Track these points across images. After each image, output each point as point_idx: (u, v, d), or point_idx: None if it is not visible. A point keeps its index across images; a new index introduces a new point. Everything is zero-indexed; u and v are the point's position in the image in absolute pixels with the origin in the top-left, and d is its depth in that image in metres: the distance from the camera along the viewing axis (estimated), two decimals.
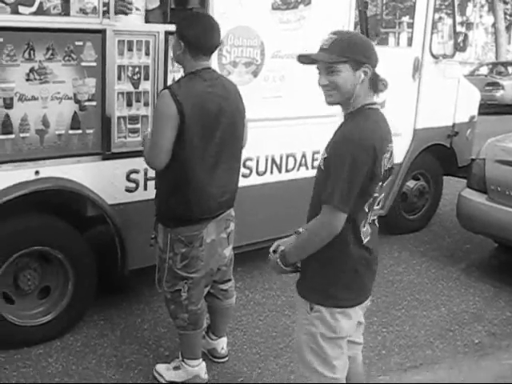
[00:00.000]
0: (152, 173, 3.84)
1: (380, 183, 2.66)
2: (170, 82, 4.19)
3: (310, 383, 2.85)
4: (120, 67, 4.08)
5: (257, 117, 4.69)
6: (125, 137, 4.18)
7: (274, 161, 5.14)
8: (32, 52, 3.72)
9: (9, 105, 3.69)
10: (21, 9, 3.65)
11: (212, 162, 3.43)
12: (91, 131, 4.04)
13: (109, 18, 3.96)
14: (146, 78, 4.20)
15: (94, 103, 4.01)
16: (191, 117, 3.26)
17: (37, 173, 3.88)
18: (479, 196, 5.76)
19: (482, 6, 38.52)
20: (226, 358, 4.10)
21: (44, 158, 3.89)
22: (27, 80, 3.73)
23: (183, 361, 3.76)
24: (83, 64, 3.91)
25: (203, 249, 3.52)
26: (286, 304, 4.91)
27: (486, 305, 5.23)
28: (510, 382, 4.08)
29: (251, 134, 4.57)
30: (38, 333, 4.16)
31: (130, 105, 4.16)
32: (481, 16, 40.34)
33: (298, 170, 5.28)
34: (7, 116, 3.70)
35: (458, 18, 34.22)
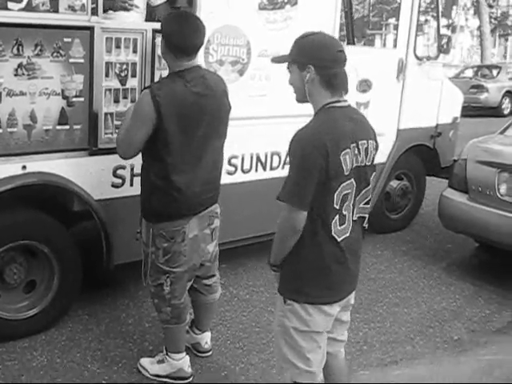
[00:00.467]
0: (138, 169, 3.89)
1: (350, 181, 2.70)
2: (156, 79, 4.23)
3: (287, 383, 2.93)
4: (108, 64, 4.12)
5: (242, 115, 4.76)
6: (112, 133, 4.21)
7: (258, 159, 5.20)
8: (20, 48, 3.75)
9: None
10: (10, 5, 3.69)
11: (194, 159, 3.49)
12: (78, 127, 4.08)
13: (97, 15, 4.00)
14: (134, 75, 4.24)
15: (81, 99, 4.04)
16: (169, 117, 3.32)
17: (24, 167, 3.92)
18: (460, 196, 5.85)
19: (468, 10, 38.80)
20: (210, 353, 4.16)
21: (31, 153, 3.93)
22: (15, 75, 3.76)
23: (167, 354, 3.82)
24: (71, 60, 3.95)
25: (186, 244, 3.58)
26: (270, 300, 4.97)
27: (466, 302, 5.33)
28: (487, 376, 4.16)
29: (237, 132, 4.65)
30: (23, 326, 4.19)
31: (117, 101, 4.21)
32: (466, 19, 40.60)
33: (283, 168, 5.34)
34: None
35: (443, 21, 34.46)
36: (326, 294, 2.83)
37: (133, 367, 3.95)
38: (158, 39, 4.01)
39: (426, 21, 29.13)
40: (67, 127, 4.02)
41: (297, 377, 2.93)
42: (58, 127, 3.99)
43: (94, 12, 3.99)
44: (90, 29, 3.98)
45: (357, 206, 2.81)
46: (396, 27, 6.64)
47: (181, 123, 3.38)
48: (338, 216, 2.72)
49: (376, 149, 2.90)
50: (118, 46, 4.13)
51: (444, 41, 6.87)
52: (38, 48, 3.82)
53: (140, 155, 3.56)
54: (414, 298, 5.36)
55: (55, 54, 3.88)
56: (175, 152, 3.41)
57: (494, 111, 20.58)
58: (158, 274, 3.63)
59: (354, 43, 7.03)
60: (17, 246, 4.11)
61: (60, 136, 4.02)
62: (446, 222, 6.10)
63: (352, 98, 5.76)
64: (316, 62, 2.69)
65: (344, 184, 2.69)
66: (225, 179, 4.75)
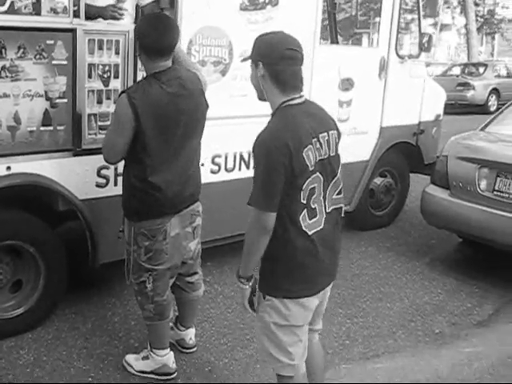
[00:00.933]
0: (122, 169, 3.94)
1: (315, 175, 2.76)
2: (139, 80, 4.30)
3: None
4: (90, 65, 4.17)
5: (225, 114, 4.84)
6: (95, 134, 4.27)
7: (242, 157, 5.26)
8: (3, 50, 3.80)
9: None
10: None
11: (172, 159, 3.55)
12: (62, 128, 4.13)
13: (79, 17, 4.05)
14: (116, 76, 4.30)
15: (64, 100, 4.10)
16: (147, 119, 3.39)
17: (8, 168, 3.96)
18: (442, 192, 5.94)
19: (455, 8, 38.95)
20: (195, 349, 4.22)
21: (15, 154, 3.98)
22: None
23: (151, 351, 3.88)
24: (54, 62, 4.00)
25: (167, 242, 3.64)
26: None
27: (448, 297, 5.42)
28: (467, 368, 4.24)
29: (220, 131, 4.72)
30: (9, 325, 4.24)
31: (100, 102, 4.26)
32: (453, 17, 40.75)
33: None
34: None
35: (430, 20, 34.55)
36: (303, 287, 2.88)
37: (118, 364, 4.01)
38: None
39: (410, 19, 29.20)
40: (51, 128, 4.08)
41: (280, 370, 3.01)
42: (42, 128, 4.04)
43: (77, 14, 4.04)
44: (73, 31, 4.03)
45: (328, 198, 2.87)
46: (378, 26, 6.72)
47: (158, 124, 3.44)
48: (305, 210, 2.77)
49: (338, 137, 2.94)
50: (100, 48, 4.19)
51: (425, 39, 6.94)
52: (21, 50, 3.87)
53: None
54: (396, 292, 5.44)
55: (38, 56, 3.94)
56: (153, 153, 3.48)
57: (480, 108, 20.71)
58: (141, 271, 3.69)
59: (337, 42, 7.11)
60: (2, 246, 4.15)
61: (44, 137, 4.07)
62: (429, 217, 6.19)
63: (334, 96, 5.93)
64: (264, 59, 2.78)
65: (310, 179, 2.75)
66: (209, 178, 4.86)
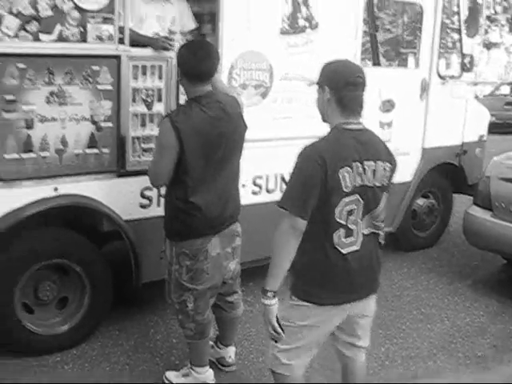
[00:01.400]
0: (164, 190, 4.06)
1: (354, 197, 2.87)
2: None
3: None
4: (134, 90, 4.33)
5: (266, 137, 4.93)
6: (139, 156, 4.41)
7: (283, 179, 5.33)
8: (52, 76, 3.98)
9: (30, 125, 3.96)
10: (42, 36, 3.92)
11: (212, 180, 3.65)
12: (107, 150, 4.28)
13: (124, 43, 4.21)
14: (159, 100, 4.44)
15: (109, 124, 4.25)
16: (190, 142, 3.50)
17: (56, 189, 4.13)
18: (485, 213, 5.90)
19: (503, 26, 38.51)
20: (234, 367, 4.29)
21: (62, 176, 4.14)
22: (47, 102, 3.99)
23: (192, 368, 3.96)
24: (100, 87, 4.17)
25: (208, 262, 3.73)
26: None
27: (491, 319, 5.36)
28: None
29: (261, 153, 4.80)
30: (55, 341, 4.38)
31: (143, 125, 4.41)
32: (501, 35, 40.28)
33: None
34: (28, 136, 3.96)
35: (477, 38, 34.12)
36: (330, 296, 2.97)
37: (159, 380, 4.09)
38: None
39: (452, 39, 28.98)
40: (96, 151, 4.23)
41: (275, 367, 3.16)
42: (88, 151, 4.20)
43: (121, 41, 4.20)
44: (118, 57, 4.20)
45: (367, 222, 2.98)
46: (419, 46, 6.74)
47: (200, 147, 3.55)
48: (342, 229, 2.90)
49: (391, 171, 3.05)
50: (144, 73, 4.34)
51: (467, 59, 6.93)
52: (68, 76, 4.05)
53: None
54: (438, 314, 5.41)
55: (84, 82, 4.11)
56: (195, 174, 3.58)
57: None
58: (182, 290, 3.78)
59: (379, 64, 7.15)
60: (50, 264, 4.30)
61: (90, 159, 4.22)
62: (471, 238, 6.15)
63: (375, 117, 5.97)
64: (330, 85, 2.95)
65: (346, 199, 2.87)
66: (250, 199, 4.94)
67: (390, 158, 3.06)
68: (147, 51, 4.37)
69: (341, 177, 2.83)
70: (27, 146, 3.97)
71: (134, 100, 4.34)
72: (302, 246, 2.89)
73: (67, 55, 4.03)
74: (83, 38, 4.07)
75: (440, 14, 6.49)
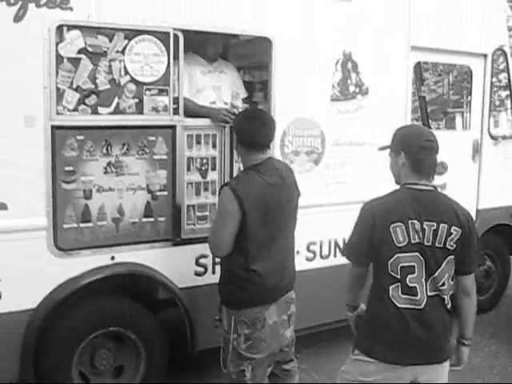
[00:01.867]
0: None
1: (412, 254, 2.98)
2: (235, 172, 4.48)
3: None
4: (189, 159, 4.41)
5: (319, 202, 4.93)
6: (194, 224, 4.45)
7: (337, 244, 5.30)
8: (109, 147, 4.09)
9: (88, 196, 4.05)
10: (100, 109, 4.05)
11: (271, 247, 3.64)
12: (163, 219, 4.33)
13: (179, 114, 4.31)
14: (214, 169, 4.51)
15: (165, 193, 4.32)
16: (251, 210, 3.51)
17: (112, 258, 4.18)
18: None
19: None
20: None
21: (119, 244, 4.20)
22: (105, 173, 4.09)
23: None
24: (155, 157, 4.26)
25: (266, 330, 3.68)
26: None
27: None
28: None
29: (315, 218, 4.79)
30: None
31: (198, 194, 4.47)
32: None
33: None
34: (86, 206, 4.05)
35: None
36: (387, 349, 3.03)
37: None
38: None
39: (497, 97, 28.84)
40: (152, 219, 4.28)
41: None
42: (144, 220, 4.26)
43: (176, 112, 4.30)
44: (173, 127, 4.29)
45: (432, 284, 3.01)
46: (469, 107, 6.73)
47: (261, 215, 3.56)
48: (398, 284, 3.00)
49: (461, 235, 3.02)
50: (198, 142, 4.42)
51: None
52: (125, 147, 4.15)
53: None
54: (502, 382, 5.21)
55: (140, 152, 4.20)
56: (255, 242, 3.58)
57: None
58: (240, 360, 3.73)
59: (429, 126, 7.13)
60: (106, 333, 4.31)
61: (145, 228, 4.28)
62: None
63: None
64: (406, 150, 3.10)
65: (400, 255, 2.99)
66: (304, 265, 4.91)
67: (461, 223, 3.03)
68: (201, 121, 4.46)
69: (392, 231, 2.99)
70: (85, 216, 4.06)
71: (188, 169, 4.41)
72: (369, 295, 3.14)
73: (124, 126, 4.14)
74: (139, 110, 4.18)
75: (489, 74, 6.48)
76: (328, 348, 5.62)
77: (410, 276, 2.98)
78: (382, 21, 5.30)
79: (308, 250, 5.10)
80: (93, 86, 4.00)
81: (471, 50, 6.20)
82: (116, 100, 4.08)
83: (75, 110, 3.97)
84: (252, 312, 3.63)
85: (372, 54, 5.28)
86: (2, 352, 3.91)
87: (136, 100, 4.16)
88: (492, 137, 6.60)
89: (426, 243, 2.98)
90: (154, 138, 4.25)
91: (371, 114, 5.28)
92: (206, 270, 4.55)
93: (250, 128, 3.66)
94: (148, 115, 4.21)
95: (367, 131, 5.23)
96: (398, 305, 3.00)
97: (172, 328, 4.60)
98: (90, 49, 3.96)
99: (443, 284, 3.03)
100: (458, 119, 28.05)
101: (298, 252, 4.52)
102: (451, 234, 3.00)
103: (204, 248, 4.38)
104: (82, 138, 4.00)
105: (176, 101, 4.31)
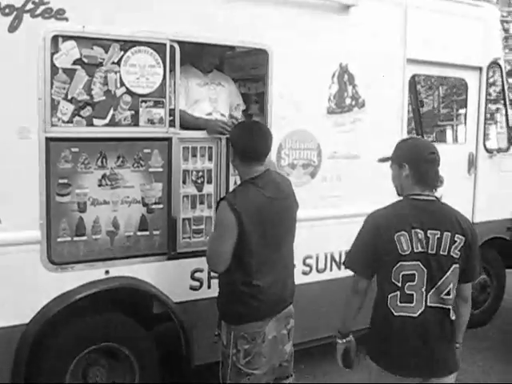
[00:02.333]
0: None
1: (414, 263, 3.02)
2: (231, 185, 4.43)
3: None
4: (185, 172, 4.35)
5: (316, 216, 4.88)
6: (189, 237, 4.40)
7: (333, 258, 5.25)
8: (104, 160, 4.03)
9: (83, 209, 3.98)
10: (95, 121, 3.99)
11: (272, 261, 3.59)
12: (158, 232, 4.27)
13: (174, 126, 4.26)
14: (209, 182, 4.46)
15: (160, 206, 4.26)
16: (249, 224, 3.46)
17: (107, 272, 4.11)
18: None
19: None
20: None
21: (113, 258, 4.13)
22: (99, 186, 4.03)
23: None
24: (151, 170, 4.20)
25: (266, 345, 3.62)
26: None
27: None
28: None
29: (311, 232, 4.74)
30: None
31: (194, 207, 4.41)
32: None
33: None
34: (81, 219, 3.99)
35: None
36: (387, 360, 3.12)
37: None
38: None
39: (498, 109, 29.00)
40: (147, 233, 4.23)
41: None
42: (139, 233, 4.20)
43: (172, 124, 4.25)
44: (168, 140, 4.24)
45: (433, 294, 3.04)
46: (464, 121, 6.72)
47: (259, 228, 3.51)
48: (398, 292, 3.04)
49: (463, 243, 3.07)
50: (194, 155, 4.37)
51: None
52: (120, 159, 4.09)
53: None
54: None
55: (136, 165, 4.15)
56: (256, 257, 3.52)
57: None
58: (239, 376, 3.66)
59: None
60: (100, 348, 4.23)
61: (140, 241, 4.22)
62: None
63: None
64: (409, 162, 3.15)
65: (404, 263, 3.03)
66: (300, 279, 4.84)
67: (464, 231, 3.09)
68: (197, 133, 4.41)
69: (396, 240, 3.03)
70: (79, 229, 4.00)
71: (184, 182, 4.36)
72: (373, 306, 3.20)
73: (119, 139, 4.09)
74: (135, 122, 4.13)
75: (484, 87, 6.47)
76: (323, 364, 5.55)
77: (409, 283, 3.03)
78: (378, 33, 5.28)
79: (304, 263, 5.05)
80: (88, 98, 3.95)
81: (466, 63, 6.20)
82: (111, 112, 4.03)
83: (70, 121, 3.91)
84: (252, 327, 3.58)
85: (368, 67, 5.26)
86: None
87: (132, 112, 4.11)
88: (487, 150, 6.60)
89: (430, 251, 3.03)
90: (149, 151, 4.19)
91: (367, 126, 5.25)
92: (201, 284, 4.48)
93: (248, 140, 3.61)
94: (144, 127, 4.16)
95: (364, 144, 5.20)
96: (395, 313, 3.06)
97: (168, 343, 4.53)
98: (85, 60, 3.91)
99: (448, 293, 3.05)
100: (449, 132, 28.20)
101: (294, 266, 4.48)
102: (455, 241, 3.06)
103: (199, 262, 4.35)
104: (76, 150, 3.94)
105: (172, 113, 4.26)
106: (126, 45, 4.04)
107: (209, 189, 4.45)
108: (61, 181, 3.90)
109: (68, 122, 3.90)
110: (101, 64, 3.97)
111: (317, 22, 4.89)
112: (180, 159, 4.31)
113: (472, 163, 6.45)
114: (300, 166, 4.92)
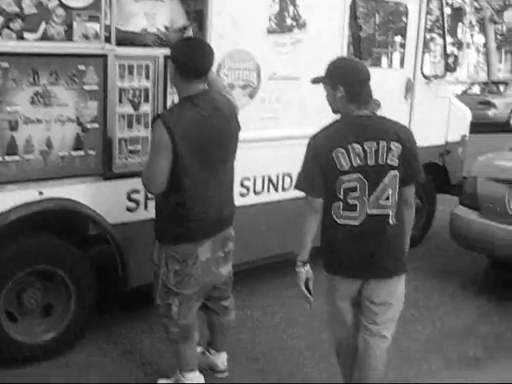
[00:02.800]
0: None
1: (355, 175, 3.17)
2: (169, 104, 4.32)
3: None
4: (121, 90, 4.22)
5: (254, 137, 4.82)
6: (126, 158, 4.30)
7: (270, 180, 5.25)
8: (36, 76, 3.85)
9: (14, 127, 3.82)
10: (26, 35, 3.79)
11: (207, 183, 3.55)
12: (93, 152, 4.16)
13: (110, 42, 4.09)
14: (146, 101, 4.34)
15: (95, 125, 4.13)
16: (184, 143, 3.39)
17: (40, 193, 3.99)
18: (471, 213, 5.88)
19: (473, 26, 38.93)
20: (226, 373, 4.17)
21: (47, 179, 4.01)
22: (32, 103, 3.86)
23: (180, 374, 3.84)
24: (86, 88, 4.05)
25: (197, 267, 3.62)
26: (284, 320, 5.02)
27: (481, 319, 5.33)
28: None
29: (249, 154, 4.71)
30: (40, 350, 4.24)
31: (130, 127, 4.30)
32: (472, 36, 40.74)
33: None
34: (12, 138, 3.83)
35: (449, 39, 34.53)
36: (336, 266, 3.37)
37: None
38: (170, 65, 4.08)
39: (432, 38, 29.25)
40: (82, 153, 4.11)
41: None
42: (74, 153, 4.08)
43: (108, 40, 4.08)
44: (104, 56, 4.08)
45: (372, 201, 3.21)
46: (403, 46, 6.71)
47: (196, 148, 3.45)
48: (340, 203, 3.22)
49: (402, 150, 3.18)
50: (130, 73, 4.23)
51: (451, 59, 6.93)
52: (54, 76, 3.92)
53: None
54: (428, 315, 5.36)
55: (70, 82, 3.98)
56: (193, 177, 3.47)
57: (503, 127, 20.56)
58: (168, 294, 3.68)
59: None
60: (34, 271, 4.16)
61: (75, 162, 4.10)
62: (458, 239, 6.12)
63: None
64: (343, 82, 3.24)
65: (345, 177, 3.18)
66: (237, 201, 4.82)
67: (400, 138, 3.20)
68: (134, 50, 4.27)
69: (335, 157, 3.17)
70: (11, 149, 3.84)
71: (120, 100, 4.23)
72: (321, 220, 3.32)
73: (52, 54, 3.90)
74: (69, 37, 3.95)
75: (425, 14, 6.46)
76: (261, 285, 5.63)
77: (351, 194, 3.19)
78: None
79: (241, 185, 5.03)
80: (18, 10, 3.72)
81: None
82: (43, 25, 3.83)
83: None
84: (184, 248, 3.57)
85: None
86: None
87: (65, 26, 3.91)
88: (425, 76, 6.64)
89: (369, 163, 3.17)
90: (84, 68, 4.03)
91: (308, 48, 5.18)
92: (138, 205, 4.42)
93: (189, 55, 3.51)
94: (78, 43, 3.98)
95: (304, 65, 5.14)
96: (339, 221, 3.24)
97: (104, 265, 4.48)
98: None
99: (387, 198, 3.21)
100: (384, 59, 28.36)
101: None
102: (391, 149, 3.16)
103: (136, 183, 4.25)
104: (6, 65, 3.74)
105: (108, 29, 4.09)
106: None
107: (146, 108, 4.33)
108: None
109: None
110: None
111: None
112: (116, 77, 4.17)
113: (409, 89, 6.48)
114: (239, 87, 4.84)
